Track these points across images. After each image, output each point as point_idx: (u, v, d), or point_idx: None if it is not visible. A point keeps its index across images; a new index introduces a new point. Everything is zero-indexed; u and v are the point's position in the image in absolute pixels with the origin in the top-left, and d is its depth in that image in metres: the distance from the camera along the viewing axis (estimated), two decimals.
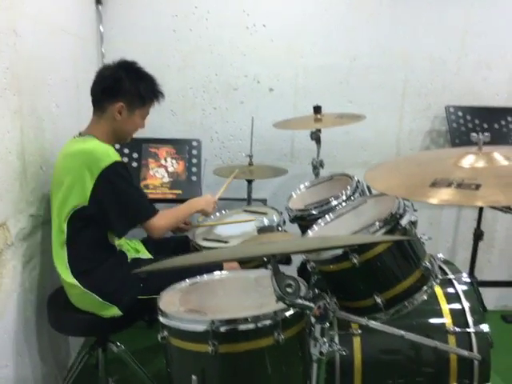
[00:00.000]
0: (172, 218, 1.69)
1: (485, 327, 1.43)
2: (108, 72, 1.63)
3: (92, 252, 1.58)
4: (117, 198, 1.52)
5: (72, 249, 1.55)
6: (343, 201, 1.71)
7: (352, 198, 1.72)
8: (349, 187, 1.75)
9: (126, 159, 2.27)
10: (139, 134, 2.40)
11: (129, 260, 1.67)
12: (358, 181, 1.80)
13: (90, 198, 1.50)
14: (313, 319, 0.94)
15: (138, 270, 0.99)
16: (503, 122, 2.53)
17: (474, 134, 1.15)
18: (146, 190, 2.22)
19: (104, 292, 1.53)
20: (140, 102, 1.63)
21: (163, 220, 1.62)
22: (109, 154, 1.52)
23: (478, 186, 0.95)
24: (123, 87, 1.59)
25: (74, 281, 1.54)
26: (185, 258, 0.94)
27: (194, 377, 1.13)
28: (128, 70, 1.62)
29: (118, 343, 1.72)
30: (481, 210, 2.58)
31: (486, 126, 2.48)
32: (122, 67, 1.62)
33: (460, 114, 2.54)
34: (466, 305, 1.47)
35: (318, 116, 2.15)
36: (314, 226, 1.57)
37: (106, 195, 1.51)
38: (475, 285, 2.49)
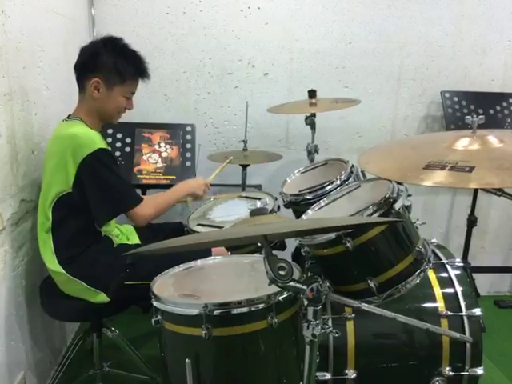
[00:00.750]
0: (158, 206, 1.64)
1: (477, 311, 1.44)
2: (88, 47, 1.58)
3: (78, 239, 1.55)
4: (98, 186, 1.49)
5: (58, 236, 1.53)
6: (338, 186, 1.70)
7: (346, 182, 1.72)
8: (343, 172, 1.75)
9: (118, 144, 2.25)
10: (132, 118, 2.39)
11: (115, 245, 1.65)
12: (353, 166, 1.79)
13: (74, 184, 1.48)
14: (305, 302, 0.94)
15: (126, 253, 0.98)
16: (498, 108, 2.52)
17: (468, 117, 1.14)
18: (139, 176, 2.21)
19: (89, 278, 1.51)
20: (119, 79, 1.57)
21: (148, 208, 1.58)
22: (93, 140, 1.48)
23: (471, 169, 0.95)
24: (99, 62, 1.54)
25: (60, 268, 1.52)
26: (172, 241, 0.93)
27: (187, 360, 1.13)
28: (108, 44, 1.57)
29: (113, 328, 1.72)
30: (475, 196, 2.58)
31: (481, 111, 2.47)
32: (103, 42, 1.57)
33: (455, 99, 2.53)
34: (459, 289, 1.48)
35: (313, 100, 2.13)
36: (308, 210, 1.56)
37: (87, 183, 1.48)
38: (468, 270, 2.51)
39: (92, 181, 1.48)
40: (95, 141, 1.49)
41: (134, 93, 1.65)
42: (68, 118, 1.61)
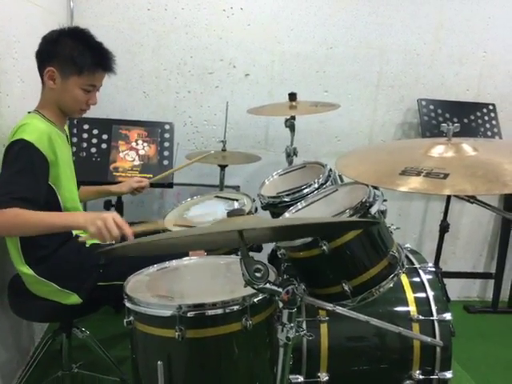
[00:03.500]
0: (18, 222, 1.29)
1: (447, 315, 1.47)
2: (48, 35, 1.50)
3: (45, 239, 1.45)
4: None
5: (23, 237, 1.45)
6: (315, 189, 1.71)
7: (324, 186, 1.73)
8: (321, 175, 1.76)
9: (94, 140, 2.20)
10: (109, 114, 2.36)
11: (87, 245, 1.59)
12: (331, 169, 1.81)
13: None
14: (280, 304, 0.94)
15: (98, 251, 0.95)
16: (472, 117, 2.59)
17: (444, 125, 1.16)
18: (115, 173, 2.17)
19: (60, 279, 1.46)
20: (75, 69, 1.46)
21: (2, 217, 1.28)
22: (24, 130, 1.38)
23: (446, 176, 0.97)
24: (56, 50, 1.45)
25: (29, 269, 1.46)
26: (147, 238, 0.92)
27: (159, 362, 1.11)
28: (68, 33, 1.49)
29: (83, 329, 1.68)
30: (448, 202, 2.64)
31: (456, 119, 2.53)
32: (64, 31, 1.50)
33: (432, 107, 2.58)
34: (431, 294, 1.50)
35: (293, 103, 2.14)
36: (286, 213, 1.57)
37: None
38: (439, 275, 2.57)
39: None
40: (25, 130, 1.37)
41: (95, 86, 1.53)
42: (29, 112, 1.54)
